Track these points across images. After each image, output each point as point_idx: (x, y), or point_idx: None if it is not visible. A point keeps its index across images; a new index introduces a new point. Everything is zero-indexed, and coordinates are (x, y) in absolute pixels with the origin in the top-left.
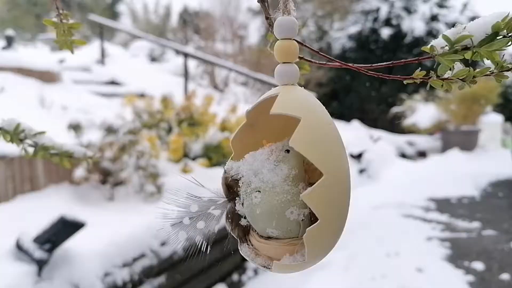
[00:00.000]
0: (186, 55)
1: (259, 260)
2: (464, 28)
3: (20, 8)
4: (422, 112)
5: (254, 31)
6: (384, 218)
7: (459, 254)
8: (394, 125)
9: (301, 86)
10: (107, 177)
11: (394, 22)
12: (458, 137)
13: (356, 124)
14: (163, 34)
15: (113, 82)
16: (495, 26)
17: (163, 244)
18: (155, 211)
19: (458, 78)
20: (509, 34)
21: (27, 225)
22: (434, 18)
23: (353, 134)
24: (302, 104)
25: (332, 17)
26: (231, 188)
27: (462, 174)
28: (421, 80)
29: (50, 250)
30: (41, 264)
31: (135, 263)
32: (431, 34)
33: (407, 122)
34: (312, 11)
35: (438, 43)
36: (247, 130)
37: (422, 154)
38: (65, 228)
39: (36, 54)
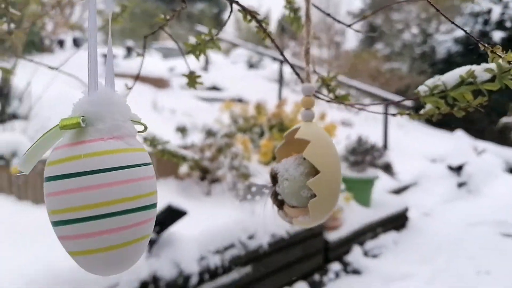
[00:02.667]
0: (281, 62)
1: (287, 218)
2: (439, 79)
3: (138, 19)
4: None
5: (352, 36)
6: (479, 236)
7: None
8: (504, 137)
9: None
10: (206, 174)
11: (508, 24)
12: None
13: (459, 134)
14: (262, 41)
15: (214, 88)
16: (461, 76)
17: (250, 237)
18: (244, 208)
19: (428, 114)
20: (475, 80)
21: None
22: None
23: (454, 145)
24: (312, 133)
25: (439, 19)
26: (274, 178)
27: None
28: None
29: (159, 232)
30: (151, 243)
31: (226, 251)
32: None
33: None
34: (416, 14)
35: (422, 89)
36: (285, 145)
37: None
38: (171, 215)
39: (150, 62)
